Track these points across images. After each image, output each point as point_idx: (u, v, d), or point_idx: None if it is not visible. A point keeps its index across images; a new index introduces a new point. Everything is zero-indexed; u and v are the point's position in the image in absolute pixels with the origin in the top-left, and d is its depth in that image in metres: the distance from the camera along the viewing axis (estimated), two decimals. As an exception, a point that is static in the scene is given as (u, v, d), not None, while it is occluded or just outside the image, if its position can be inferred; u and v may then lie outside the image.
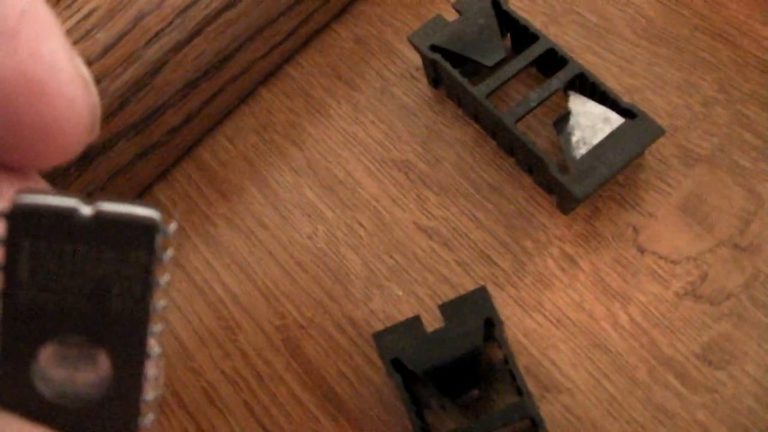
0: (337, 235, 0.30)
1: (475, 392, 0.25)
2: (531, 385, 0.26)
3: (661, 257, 0.27)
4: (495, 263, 0.28)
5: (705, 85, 0.29)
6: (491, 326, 0.25)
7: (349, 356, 0.28)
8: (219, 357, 0.28)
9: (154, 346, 0.13)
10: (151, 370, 0.13)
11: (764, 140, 0.28)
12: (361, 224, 0.30)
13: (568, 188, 0.26)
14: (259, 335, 0.28)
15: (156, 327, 0.12)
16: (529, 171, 0.29)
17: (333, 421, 0.27)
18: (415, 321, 0.25)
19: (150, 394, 0.13)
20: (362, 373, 0.27)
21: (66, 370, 0.12)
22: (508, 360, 0.25)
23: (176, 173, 0.32)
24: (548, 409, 0.26)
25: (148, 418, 0.14)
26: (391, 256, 0.29)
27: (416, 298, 0.28)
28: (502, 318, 0.26)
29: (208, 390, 0.28)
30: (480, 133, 0.30)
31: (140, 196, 0.31)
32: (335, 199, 0.30)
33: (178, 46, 0.28)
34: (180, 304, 0.30)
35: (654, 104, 0.29)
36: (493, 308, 0.25)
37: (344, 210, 0.30)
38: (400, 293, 0.28)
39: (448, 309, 0.25)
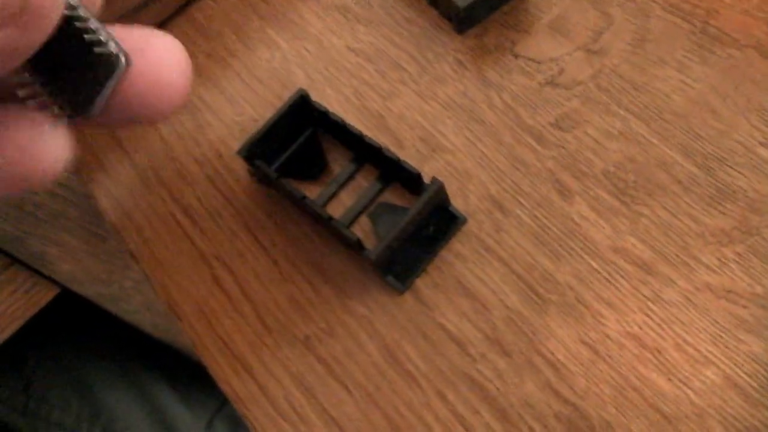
0: (288, 58, 0.38)
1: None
2: (421, 148, 0.33)
3: (530, 59, 0.34)
4: (404, 69, 0.35)
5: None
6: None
7: (290, 137, 0.35)
8: (192, 146, 0.37)
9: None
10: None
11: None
12: (306, 50, 0.38)
13: (454, 2, 0.34)
14: (223, 128, 0.37)
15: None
16: (435, 6, 0.36)
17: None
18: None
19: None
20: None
21: None
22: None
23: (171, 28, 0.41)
24: (434, 164, 0.33)
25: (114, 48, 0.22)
26: (326, 69, 0.37)
27: (343, 96, 0.36)
28: (404, 106, 0.34)
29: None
30: (404, -13, 0.38)
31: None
32: (289, 34, 0.38)
33: None
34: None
35: (537, -42, 0.37)
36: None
37: (294, 41, 0.38)
38: (331, 92, 0.36)
39: None
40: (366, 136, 0.32)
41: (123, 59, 0.23)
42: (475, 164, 0.32)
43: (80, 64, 0.24)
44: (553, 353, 0.29)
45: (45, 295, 0.53)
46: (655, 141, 0.31)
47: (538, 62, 0.34)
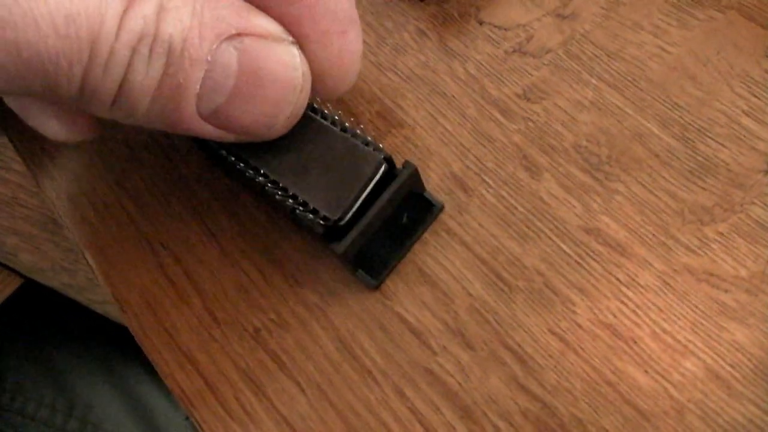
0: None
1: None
2: (381, 125, 0.30)
3: (496, 26, 0.31)
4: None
5: None
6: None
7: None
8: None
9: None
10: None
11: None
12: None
13: (411, -37, 0.30)
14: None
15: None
16: (395, -30, 0.33)
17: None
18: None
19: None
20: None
21: None
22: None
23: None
24: (392, 141, 0.30)
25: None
26: (279, 42, 0.33)
27: (297, 70, 0.32)
28: (360, 79, 0.30)
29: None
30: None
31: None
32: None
33: None
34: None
35: None
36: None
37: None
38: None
39: None
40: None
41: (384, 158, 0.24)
42: (436, 140, 0.29)
43: (336, 167, 0.24)
44: (520, 345, 0.26)
45: (8, 286, 0.50)
46: (629, 111, 0.28)
47: (505, 29, 0.31)
